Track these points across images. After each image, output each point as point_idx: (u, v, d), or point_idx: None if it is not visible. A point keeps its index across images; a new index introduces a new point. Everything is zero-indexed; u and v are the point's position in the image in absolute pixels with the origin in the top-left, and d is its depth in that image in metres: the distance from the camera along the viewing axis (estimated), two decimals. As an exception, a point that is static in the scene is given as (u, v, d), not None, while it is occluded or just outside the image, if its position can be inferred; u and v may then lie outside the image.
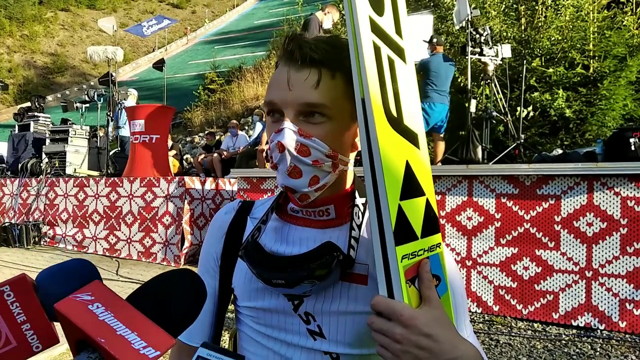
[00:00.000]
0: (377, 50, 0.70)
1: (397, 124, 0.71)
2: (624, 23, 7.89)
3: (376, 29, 0.70)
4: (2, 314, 0.52)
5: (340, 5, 13.70)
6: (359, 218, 0.83)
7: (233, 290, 0.93)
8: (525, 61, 6.70)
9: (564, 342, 3.77)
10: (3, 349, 0.52)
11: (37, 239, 7.86)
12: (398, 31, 0.75)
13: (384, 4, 0.73)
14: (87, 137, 10.18)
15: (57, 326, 0.55)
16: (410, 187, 0.72)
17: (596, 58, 7.83)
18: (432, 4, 10.51)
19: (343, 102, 0.78)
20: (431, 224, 0.75)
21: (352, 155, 0.87)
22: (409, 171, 0.72)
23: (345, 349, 0.82)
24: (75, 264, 0.59)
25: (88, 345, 0.51)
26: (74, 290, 0.55)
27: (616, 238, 3.91)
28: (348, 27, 0.68)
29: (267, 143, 0.84)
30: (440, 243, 0.78)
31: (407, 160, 0.72)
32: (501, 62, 6.63)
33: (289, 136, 0.76)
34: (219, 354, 0.50)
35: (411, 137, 0.74)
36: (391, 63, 0.73)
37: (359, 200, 0.86)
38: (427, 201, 0.76)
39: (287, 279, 0.76)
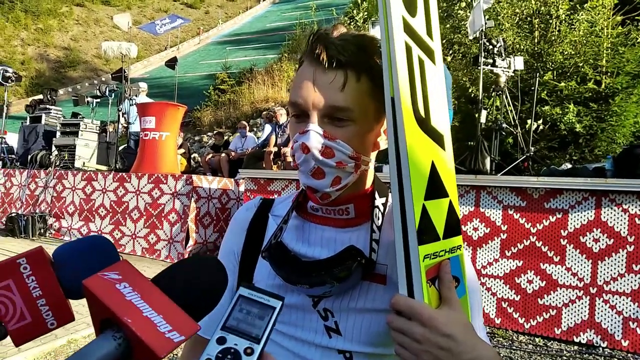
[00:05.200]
0: (408, 50, 0.70)
1: (424, 124, 0.72)
2: (638, 40, 7.87)
3: (408, 29, 0.71)
4: (17, 287, 0.51)
5: (361, 7, 13.75)
6: (378, 219, 0.84)
7: None
8: (537, 74, 6.69)
9: (565, 358, 3.75)
10: (18, 324, 0.51)
11: (42, 230, 7.89)
12: (429, 33, 0.76)
13: (417, 5, 0.74)
14: (97, 131, 10.26)
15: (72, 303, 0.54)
16: (435, 187, 0.72)
17: (608, 74, 7.82)
18: (445, 14, 10.53)
19: (367, 103, 0.79)
20: (453, 226, 0.76)
21: (373, 155, 0.88)
22: (434, 172, 0.72)
23: (360, 347, 0.82)
24: (92, 240, 0.58)
25: (113, 324, 0.50)
26: (90, 267, 0.54)
27: (622, 255, 3.88)
28: (381, 26, 0.69)
29: (290, 142, 0.85)
30: (461, 245, 0.78)
31: (432, 161, 0.72)
32: (513, 74, 6.62)
33: (315, 138, 0.77)
34: (259, 293, 0.51)
35: (437, 138, 0.75)
36: (421, 63, 0.73)
37: (379, 201, 0.86)
38: (450, 203, 0.76)
39: (311, 283, 0.78)
